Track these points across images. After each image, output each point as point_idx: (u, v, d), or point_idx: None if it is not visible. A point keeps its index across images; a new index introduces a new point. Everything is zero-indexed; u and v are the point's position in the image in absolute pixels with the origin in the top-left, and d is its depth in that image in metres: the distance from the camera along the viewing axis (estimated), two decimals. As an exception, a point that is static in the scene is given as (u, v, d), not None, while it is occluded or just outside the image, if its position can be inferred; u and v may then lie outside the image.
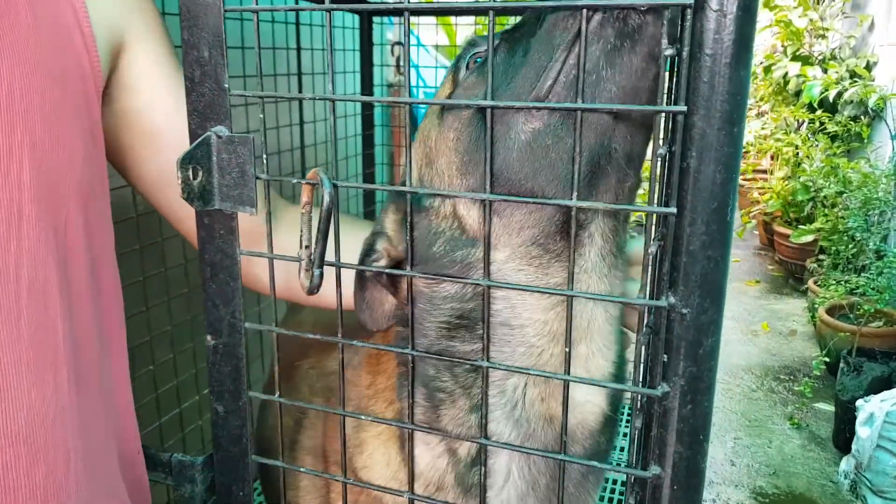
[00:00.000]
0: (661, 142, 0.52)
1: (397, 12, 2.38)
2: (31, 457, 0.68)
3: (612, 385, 0.67)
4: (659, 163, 0.53)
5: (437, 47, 3.08)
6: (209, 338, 0.70)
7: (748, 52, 0.49)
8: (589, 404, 0.71)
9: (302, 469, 0.93)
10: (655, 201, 0.53)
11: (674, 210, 0.51)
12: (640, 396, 0.58)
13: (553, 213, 0.64)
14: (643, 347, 0.57)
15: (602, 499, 1.61)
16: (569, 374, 0.56)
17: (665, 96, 0.53)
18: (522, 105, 0.61)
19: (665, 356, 0.54)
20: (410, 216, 0.60)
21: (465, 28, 3.78)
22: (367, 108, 2.49)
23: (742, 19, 0.48)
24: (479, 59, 0.74)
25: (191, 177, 0.62)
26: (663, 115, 0.51)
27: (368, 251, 0.78)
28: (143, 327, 1.51)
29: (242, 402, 0.70)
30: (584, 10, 0.50)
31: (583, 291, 0.66)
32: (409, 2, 0.50)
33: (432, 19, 3.16)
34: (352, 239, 0.75)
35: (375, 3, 2.32)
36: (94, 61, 0.76)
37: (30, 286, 0.68)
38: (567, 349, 0.56)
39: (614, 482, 1.65)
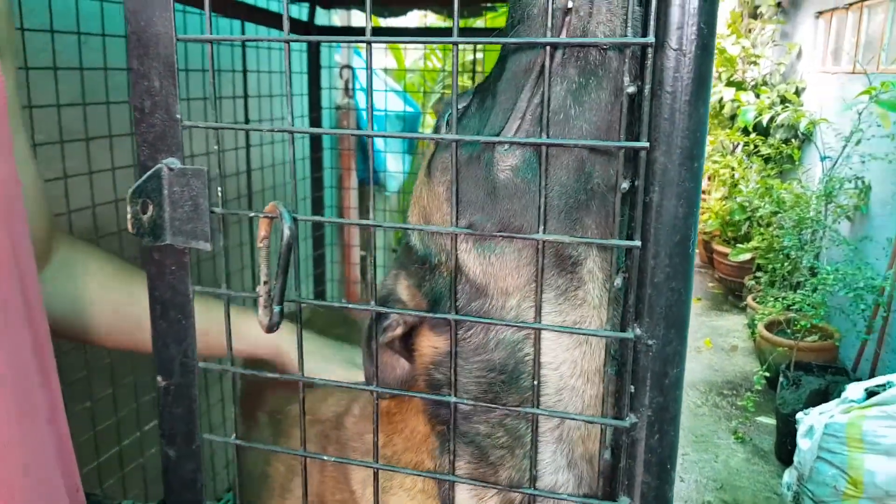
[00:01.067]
0: (623, 176, 0.52)
1: (359, 39, 2.38)
2: None
3: (581, 418, 0.66)
4: (619, 196, 0.53)
5: (385, 70, 3.08)
6: (160, 379, 0.67)
7: (707, 89, 0.50)
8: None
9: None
10: (619, 235, 0.54)
11: (638, 243, 0.51)
12: (607, 428, 0.58)
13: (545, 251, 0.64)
14: (609, 380, 0.57)
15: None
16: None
17: (625, 132, 0.53)
18: (487, 139, 0.61)
19: (632, 387, 0.55)
20: (455, 259, 0.59)
21: (414, 52, 3.81)
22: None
23: (700, 58, 0.49)
24: (449, 117, 0.75)
25: (140, 211, 0.60)
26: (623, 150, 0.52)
27: (382, 318, 0.74)
28: (80, 361, 1.45)
29: (196, 445, 0.67)
30: (547, 48, 0.51)
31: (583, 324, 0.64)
32: (370, 34, 0.50)
33: (382, 45, 3.17)
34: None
35: (327, 28, 2.31)
36: None
37: None
38: (535, 382, 0.56)
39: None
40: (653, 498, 0.56)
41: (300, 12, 2.33)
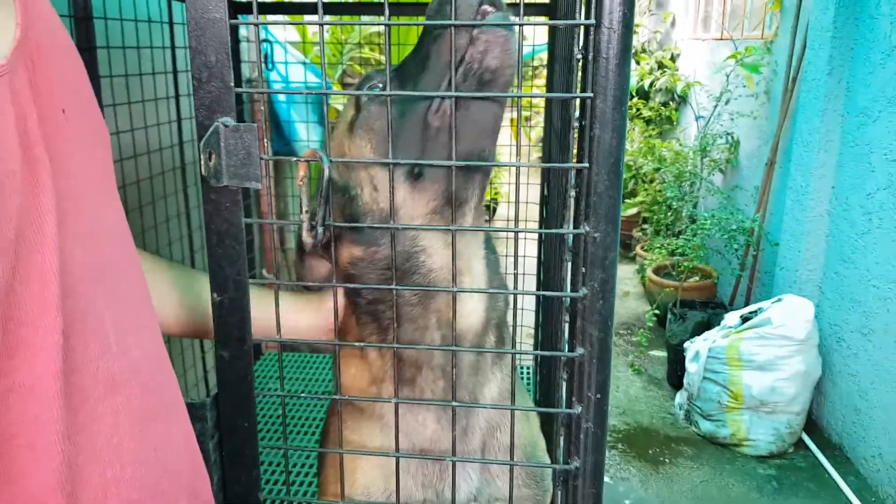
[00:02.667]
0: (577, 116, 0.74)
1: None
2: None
3: (551, 294, 0.89)
4: (576, 133, 0.76)
5: (290, 43, 3.20)
6: (215, 295, 0.84)
7: (629, 55, 0.72)
8: (475, 312, 1.00)
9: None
10: (574, 160, 0.76)
11: (586, 165, 0.74)
12: (568, 300, 0.81)
13: (441, 194, 0.93)
14: (568, 265, 0.80)
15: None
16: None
17: (578, 86, 0.75)
18: (418, 94, 0.82)
19: (583, 268, 0.77)
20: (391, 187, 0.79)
21: (314, 25, 3.88)
22: (238, 98, 2.58)
23: (624, 33, 0.71)
24: (375, 89, 0.99)
25: (208, 159, 0.77)
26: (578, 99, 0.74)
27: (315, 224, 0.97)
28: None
29: (247, 346, 0.85)
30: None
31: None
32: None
33: (284, 17, 3.27)
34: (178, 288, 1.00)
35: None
36: None
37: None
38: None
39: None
40: (598, 346, 0.79)
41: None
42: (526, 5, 2.14)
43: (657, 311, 4.00)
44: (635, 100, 5.85)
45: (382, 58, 3.70)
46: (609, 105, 0.72)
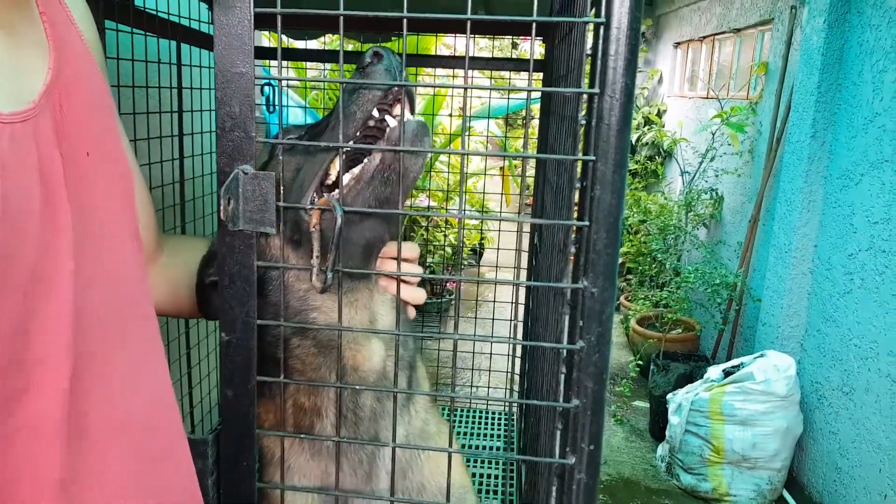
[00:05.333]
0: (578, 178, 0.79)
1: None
2: None
3: (550, 345, 0.92)
4: (577, 192, 0.80)
5: (296, 90, 3.26)
6: (224, 335, 0.86)
7: (629, 122, 0.77)
8: (376, 355, 1.03)
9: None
10: (570, 217, 0.80)
11: (587, 223, 0.78)
12: (565, 351, 0.84)
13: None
14: (566, 318, 0.83)
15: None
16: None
17: (581, 149, 0.80)
18: (336, 146, 0.87)
19: (581, 322, 0.81)
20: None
21: (313, 70, 3.98)
22: (240, 145, 2.62)
23: (625, 102, 0.76)
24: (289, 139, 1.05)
25: (227, 204, 0.80)
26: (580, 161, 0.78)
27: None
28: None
29: (251, 385, 0.87)
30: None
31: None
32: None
33: (284, 62, 3.34)
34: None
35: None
36: None
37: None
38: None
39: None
40: (593, 397, 0.82)
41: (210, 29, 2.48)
42: (519, 61, 2.23)
43: (640, 362, 4.03)
44: (623, 153, 5.98)
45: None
46: (610, 168, 0.76)
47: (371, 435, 1.07)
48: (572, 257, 0.82)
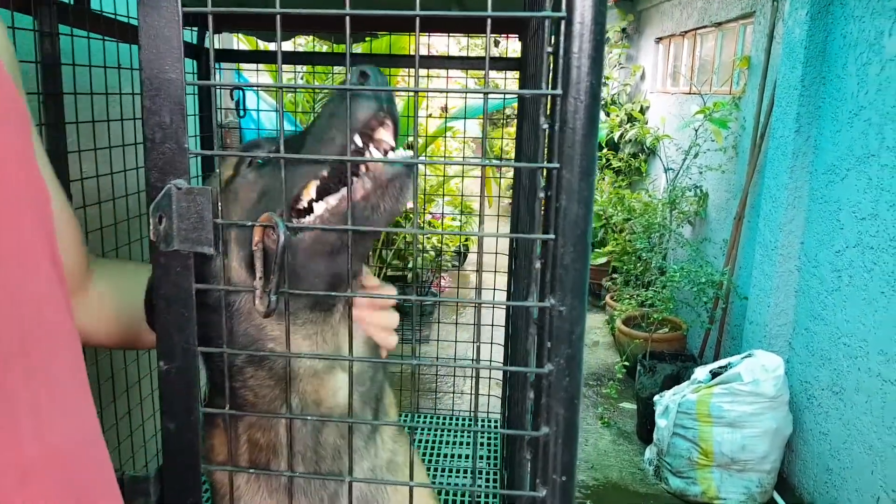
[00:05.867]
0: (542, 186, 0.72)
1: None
2: None
3: (514, 369, 0.86)
4: (542, 202, 0.73)
5: (276, 93, 3.19)
6: (162, 363, 0.79)
7: (596, 125, 0.71)
8: (341, 390, 0.96)
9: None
10: (536, 231, 0.74)
11: (552, 236, 0.71)
12: (533, 375, 0.78)
13: (305, 298, 0.90)
14: (533, 338, 0.77)
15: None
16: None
17: (544, 156, 0.73)
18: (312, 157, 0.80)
19: (549, 343, 0.74)
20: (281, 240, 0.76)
21: (288, 73, 3.91)
22: (208, 149, 2.54)
23: (591, 104, 0.69)
24: (259, 162, 0.95)
25: (157, 223, 0.73)
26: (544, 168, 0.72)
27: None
28: None
29: (194, 416, 0.80)
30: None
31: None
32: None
33: (259, 66, 3.27)
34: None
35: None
36: None
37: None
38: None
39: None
40: (565, 425, 0.76)
41: (192, 36, 2.41)
42: (496, 59, 2.16)
43: (627, 363, 3.98)
44: (605, 150, 5.93)
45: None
46: (576, 176, 0.70)
47: (335, 473, 1.00)
48: (538, 274, 0.75)
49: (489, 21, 0.69)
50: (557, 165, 0.70)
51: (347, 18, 0.68)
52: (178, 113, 0.74)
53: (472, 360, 0.75)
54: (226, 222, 0.75)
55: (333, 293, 0.80)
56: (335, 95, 0.88)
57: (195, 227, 0.75)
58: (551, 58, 0.71)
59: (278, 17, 0.68)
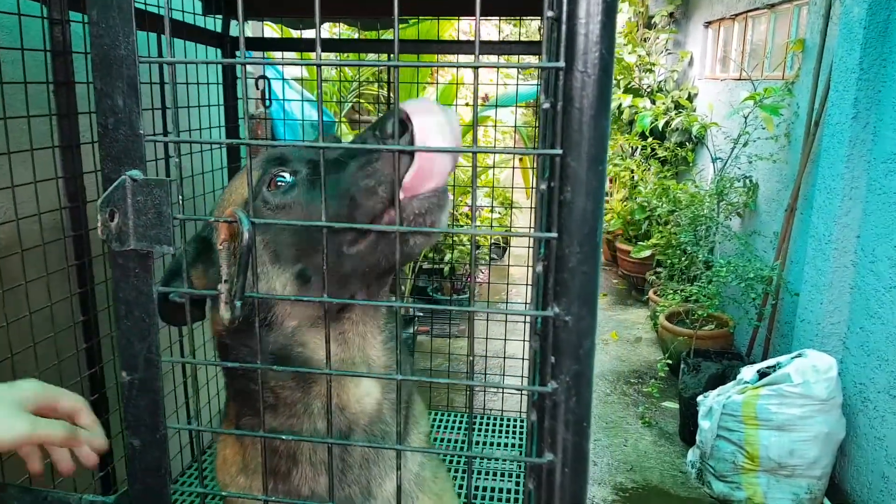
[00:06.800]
0: (542, 178, 0.62)
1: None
2: None
3: (510, 386, 0.76)
4: (540, 196, 0.63)
5: (301, 81, 3.12)
6: (124, 374, 0.71)
7: (607, 104, 0.60)
8: (369, 396, 0.92)
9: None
10: (540, 228, 0.63)
11: (555, 235, 0.61)
12: (533, 394, 0.68)
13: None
14: (535, 351, 0.67)
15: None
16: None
17: (542, 140, 0.63)
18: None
19: (553, 358, 0.64)
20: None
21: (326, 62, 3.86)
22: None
23: (602, 79, 0.59)
24: (280, 180, 0.87)
25: (108, 219, 0.65)
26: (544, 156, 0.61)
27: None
28: (8, 375, 1.44)
29: (160, 434, 0.72)
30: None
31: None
32: (319, 58, 0.58)
33: (294, 53, 3.20)
34: None
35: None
36: None
37: None
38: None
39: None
40: (573, 452, 0.66)
41: (215, 24, 2.35)
42: (520, 43, 2.05)
43: (670, 361, 3.83)
44: (650, 139, 5.74)
45: (386, 94, 3.64)
46: (583, 164, 0.59)
47: (362, 484, 0.94)
48: (541, 278, 0.65)
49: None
50: (560, 152, 0.59)
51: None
52: (131, 95, 0.65)
53: (466, 374, 0.65)
54: (186, 218, 0.67)
55: (309, 298, 0.71)
56: (369, 135, 0.79)
57: (153, 224, 0.67)
58: (554, 24, 0.60)
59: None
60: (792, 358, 2.97)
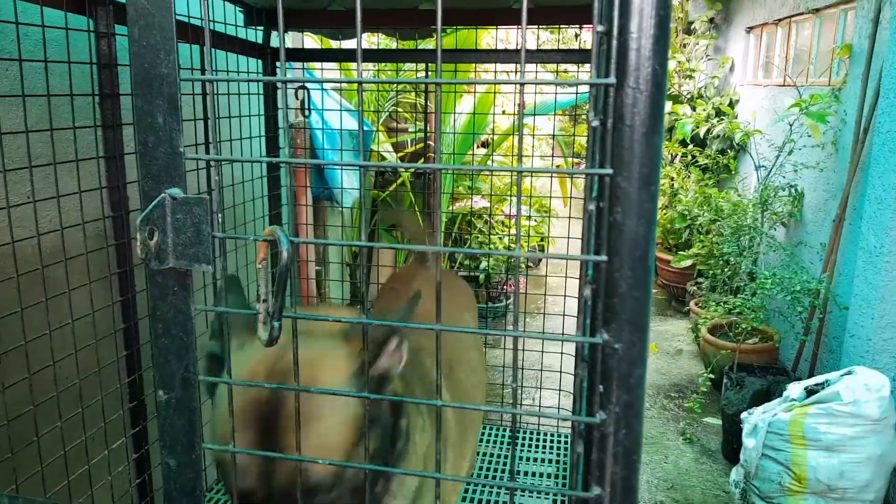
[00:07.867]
0: (592, 197, 0.59)
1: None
2: None
3: (555, 416, 0.73)
4: (588, 216, 0.60)
5: (340, 90, 3.13)
6: (161, 392, 0.71)
7: (660, 122, 0.57)
8: None
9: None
10: (588, 250, 0.61)
11: (605, 258, 0.58)
12: (579, 424, 0.65)
13: None
14: (582, 379, 0.64)
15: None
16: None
17: (591, 158, 0.60)
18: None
19: (601, 387, 0.61)
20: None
21: (365, 72, 3.86)
22: (273, 151, 2.50)
23: (654, 95, 0.56)
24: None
25: (147, 237, 0.64)
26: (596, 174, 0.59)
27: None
28: (50, 383, 1.46)
29: (196, 454, 0.71)
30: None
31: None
32: (360, 75, 0.56)
33: (334, 63, 3.22)
34: None
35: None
36: None
37: None
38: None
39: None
40: (621, 486, 0.63)
41: (256, 35, 2.37)
42: (559, 51, 2.02)
43: (712, 375, 3.73)
44: (691, 147, 5.63)
45: (423, 103, 3.63)
46: (634, 184, 0.57)
47: None
48: (589, 302, 0.62)
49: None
50: (610, 171, 0.57)
51: (439, 8, 0.57)
52: (172, 113, 0.65)
53: (501, 406, 0.63)
54: (224, 236, 0.66)
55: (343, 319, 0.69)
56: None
57: (192, 242, 0.66)
58: (604, 38, 0.58)
59: (359, 8, 0.58)
60: (841, 375, 2.87)
